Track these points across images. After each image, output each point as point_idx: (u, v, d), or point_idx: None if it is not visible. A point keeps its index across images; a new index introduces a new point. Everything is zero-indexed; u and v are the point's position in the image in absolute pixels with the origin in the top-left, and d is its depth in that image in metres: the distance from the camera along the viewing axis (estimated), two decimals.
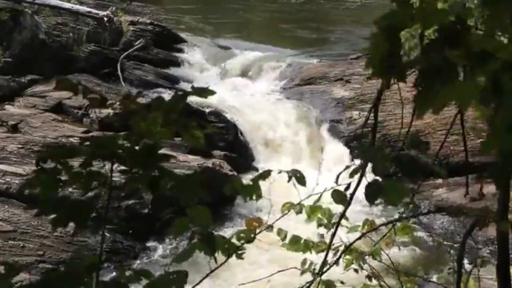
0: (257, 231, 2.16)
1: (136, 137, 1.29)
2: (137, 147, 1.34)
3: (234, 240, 1.94)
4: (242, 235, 2.04)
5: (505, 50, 1.18)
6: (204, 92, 1.41)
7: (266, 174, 2.06)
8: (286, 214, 2.57)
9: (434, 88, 1.27)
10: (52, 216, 1.33)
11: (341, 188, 2.07)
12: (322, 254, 2.88)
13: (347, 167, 1.79)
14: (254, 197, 2.05)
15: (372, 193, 1.59)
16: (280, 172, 2.11)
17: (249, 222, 2.18)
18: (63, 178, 1.30)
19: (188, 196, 1.42)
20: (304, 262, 3.08)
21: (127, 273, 1.50)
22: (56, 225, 1.33)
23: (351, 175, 1.73)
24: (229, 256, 1.77)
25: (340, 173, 1.79)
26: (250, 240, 2.00)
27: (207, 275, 1.86)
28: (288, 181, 2.11)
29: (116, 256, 6.70)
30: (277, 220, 2.28)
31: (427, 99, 1.28)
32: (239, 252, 1.85)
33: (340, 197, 2.07)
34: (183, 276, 1.47)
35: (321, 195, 2.22)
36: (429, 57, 1.28)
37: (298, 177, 2.06)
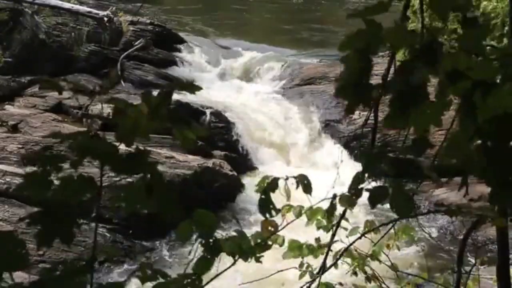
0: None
1: (123, 133, 1.28)
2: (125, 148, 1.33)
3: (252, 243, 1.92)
4: (258, 241, 2.01)
5: (479, 70, 1.19)
6: (191, 87, 1.41)
7: (274, 185, 2.04)
8: (293, 221, 2.54)
9: (403, 111, 1.29)
10: (36, 231, 1.32)
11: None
12: (321, 257, 2.88)
13: (357, 174, 1.77)
14: (274, 214, 2.03)
15: (376, 198, 1.59)
16: (287, 178, 2.09)
17: (264, 225, 2.15)
18: (54, 179, 1.29)
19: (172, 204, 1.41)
20: (301, 265, 3.07)
21: (148, 271, 1.48)
22: (41, 243, 1.33)
23: (354, 183, 1.72)
24: (245, 259, 1.76)
25: (352, 185, 1.77)
26: (267, 248, 1.98)
27: (214, 277, 1.84)
28: (297, 187, 2.10)
29: (116, 256, 6.70)
30: (283, 227, 2.26)
31: (395, 120, 1.30)
32: (258, 255, 1.83)
33: (349, 201, 2.06)
34: (199, 280, 1.47)
35: (334, 202, 2.19)
36: (398, 82, 1.29)
37: (305, 184, 2.05)
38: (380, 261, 3.32)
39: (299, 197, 2.32)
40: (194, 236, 1.67)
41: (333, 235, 2.67)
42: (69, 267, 1.26)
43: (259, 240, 1.96)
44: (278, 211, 2.01)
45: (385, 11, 1.32)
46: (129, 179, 1.38)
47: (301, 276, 3.01)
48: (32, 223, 1.29)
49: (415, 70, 1.25)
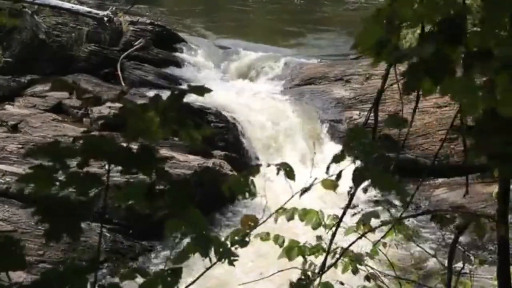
0: (251, 234, 2.14)
1: (132, 136, 1.28)
2: (134, 147, 1.34)
3: (228, 242, 1.92)
4: (236, 238, 2.03)
5: (504, 45, 1.18)
6: (201, 90, 1.42)
7: (255, 170, 2.05)
8: (269, 217, 2.54)
9: (425, 78, 1.28)
10: (45, 228, 1.33)
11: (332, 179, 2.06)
12: (320, 257, 2.89)
13: (336, 156, 1.79)
14: (247, 196, 2.04)
15: (358, 176, 1.60)
16: (269, 165, 2.10)
17: (245, 220, 2.17)
18: (59, 177, 1.30)
19: (181, 202, 1.42)
20: (304, 263, 3.09)
21: (123, 270, 1.50)
22: (49, 238, 1.34)
23: (336, 160, 1.73)
24: (219, 259, 1.76)
25: (330, 163, 1.79)
26: (243, 245, 1.98)
27: (201, 274, 1.85)
28: (277, 173, 2.10)
29: (116, 256, 6.70)
30: (263, 222, 2.26)
31: (414, 83, 1.30)
32: (232, 258, 1.83)
33: (331, 184, 2.07)
34: (178, 271, 1.48)
35: (311, 185, 2.21)
36: (426, 49, 1.28)
37: (287, 171, 2.06)
38: (377, 263, 3.33)
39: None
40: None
41: (333, 235, 2.68)
42: (71, 266, 1.27)
43: (237, 238, 1.96)
44: (253, 194, 2.01)
45: None
46: (131, 180, 1.39)
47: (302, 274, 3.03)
48: (38, 218, 1.29)
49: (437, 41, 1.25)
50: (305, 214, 3.00)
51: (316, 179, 2.17)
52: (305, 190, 2.26)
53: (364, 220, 2.14)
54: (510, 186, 2.17)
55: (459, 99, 1.29)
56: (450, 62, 1.27)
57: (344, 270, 3.13)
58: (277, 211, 2.80)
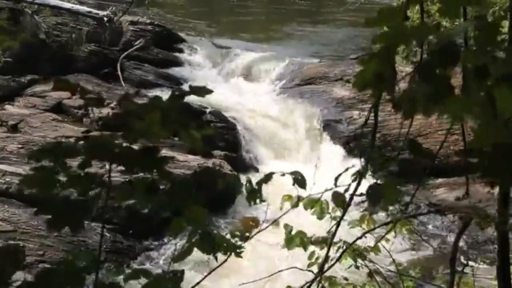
0: (255, 230, 2.16)
1: (134, 136, 1.29)
2: (135, 147, 1.34)
3: (229, 237, 1.94)
4: (237, 233, 2.04)
5: (503, 64, 1.20)
6: (202, 91, 1.42)
7: (269, 177, 2.07)
8: (288, 211, 2.57)
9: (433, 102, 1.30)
10: (48, 217, 1.33)
11: (341, 190, 2.08)
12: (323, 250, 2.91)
13: (347, 169, 1.81)
14: (258, 201, 2.07)
15: (374, 196, 1.61)
16: (283, 174, 2.11)
17: (246, 222, 2.18)
18: (61, 178, 1.30)
19: (182, 199, 1.43)
20: (311, 255, 3.11)
21: (127, 271, 1.50)
22: (51, 227, 1.34)
23: (353, 179, 1.75)
24: (228, 255, 1.77)
25: (339, 175, 1.80)
26: (245, 239, 2.00)
27: (207, 275, 1.86)
28: (293, 184, 2.12)
29: (116, 256, 6.70)
30: (280, 216, 2.28)
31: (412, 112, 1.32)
32: (238, 250, 1.84)
33: (340, 200, 2.08)
34: (180, 275, 1.48)
35: (320, 197, 2.23)
36: (422, 80, 1.31)
37: (299, 180, 2.07)
38: (379, 264, 3.33)
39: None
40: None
41: (334, 233, 2.68)
42: (71, 266, 1.27)
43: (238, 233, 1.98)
44: (263, 201, 2.04)
45: (401, 17, 1.35)
46: (132, 179, 1.39)
47: (310, 265, 3.06)
48: (42, 212, 1.30)
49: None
50: (309, 203, 3.00)
51: (325, 189, 2.18)
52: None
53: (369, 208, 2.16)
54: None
55: (459, 115, 1.32)
56: (449, 83, 1.30)
57: (347, 266, 3.15)
58: (285, 202, 2.81)
